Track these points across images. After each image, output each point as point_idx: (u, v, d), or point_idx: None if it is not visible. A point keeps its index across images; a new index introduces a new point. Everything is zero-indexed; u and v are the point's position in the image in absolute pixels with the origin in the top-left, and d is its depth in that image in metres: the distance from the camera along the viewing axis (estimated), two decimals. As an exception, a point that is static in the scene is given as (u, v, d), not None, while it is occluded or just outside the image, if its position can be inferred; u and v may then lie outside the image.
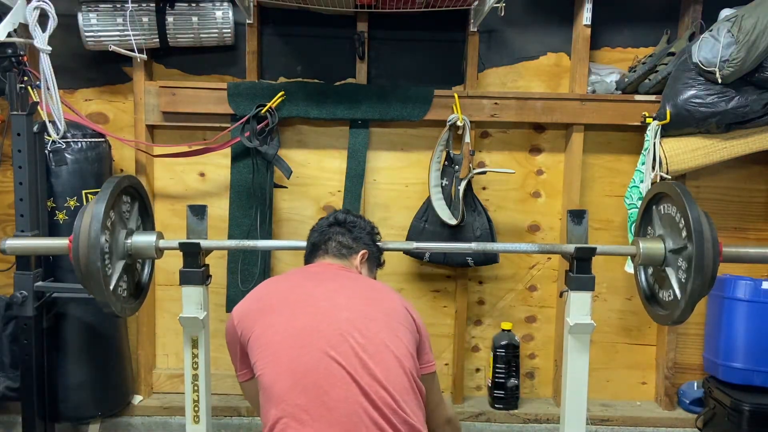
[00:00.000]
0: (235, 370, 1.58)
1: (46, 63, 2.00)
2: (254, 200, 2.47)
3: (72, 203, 2.25)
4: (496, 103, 2.48)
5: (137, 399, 2.60)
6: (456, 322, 2.64)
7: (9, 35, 1.95)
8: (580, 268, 1.86)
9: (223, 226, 2.53)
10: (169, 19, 2.39)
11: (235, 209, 2.50)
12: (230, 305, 2.55)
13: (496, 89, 2.56)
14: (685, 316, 1.74)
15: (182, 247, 1.86)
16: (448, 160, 2.45)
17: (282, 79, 2.56)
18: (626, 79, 2.47)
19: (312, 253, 1.77)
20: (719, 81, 2.23)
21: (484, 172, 2.51)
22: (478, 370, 2.72)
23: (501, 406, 2.61)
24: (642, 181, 2.38)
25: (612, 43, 2.59)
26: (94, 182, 2.28)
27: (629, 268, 2.40)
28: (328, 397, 1.32)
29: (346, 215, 1.82)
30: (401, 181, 2.61)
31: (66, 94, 2.51)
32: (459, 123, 2.39)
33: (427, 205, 2.46)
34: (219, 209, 2.54)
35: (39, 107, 2.08)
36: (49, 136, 2.13)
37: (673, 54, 2.40)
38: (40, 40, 1.97)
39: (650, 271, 1.98)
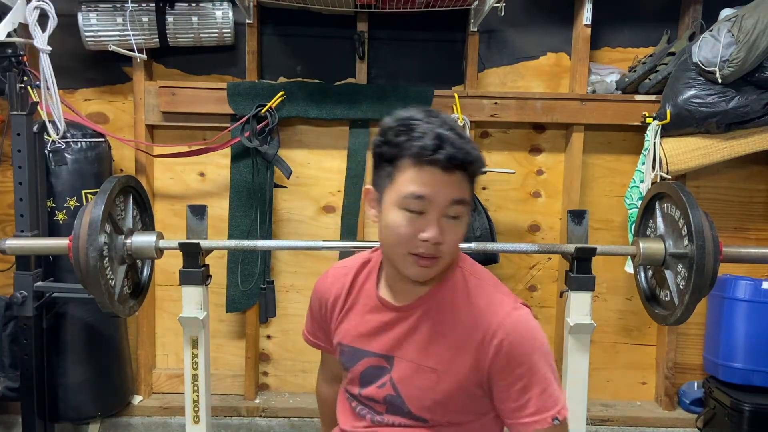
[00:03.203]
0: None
1: (45, 63, 1.99)
2: (254, 200, 2.47)
3: (72, 203, 2.25)
4: (496, 103, 2.48)
5: (137, 399, 2.60)
6: (456, 322, 2.63)
7: (9, 35, 1.95)
8: (580, 268, 1.86)
9: (223, 226, 2.52)
10: (169, 19, 2.39)
11: (235, 209, 2.50)
12: (230, 305, 2.55)
13: (496, 89, 2.56)
14: (685, 317, 1.74)
15: (182, 247, 1.86)
16: (448, 160, 2.45)
17: (282, 79, 2.56)
18: (626, 79, 2.47)
19: None
20: (719, 81, 2.23)
21: (484, 172, 2.49)
22: (478, 370, 2.71)
23: (501, 406, 2.60)
24: (642, 181, 2.38)
25: (612, 43, 2.59)
26: (94, 182, 2.28)
27: (629, 268, 2.40)
28: None
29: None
30: (401, 181, 2.60)
31: (66, 94, 2.51)
32: (459, 123, 2.39)
33: (427, 205, 2.45)
34: (219, 209, 2.54)
35: (39, 107, 2.08)
36: (49, 136, 2.13)
37: (673, 54, 2.40)
38: (40, 40, 1.97)
39: (650, 271, 1.98)
